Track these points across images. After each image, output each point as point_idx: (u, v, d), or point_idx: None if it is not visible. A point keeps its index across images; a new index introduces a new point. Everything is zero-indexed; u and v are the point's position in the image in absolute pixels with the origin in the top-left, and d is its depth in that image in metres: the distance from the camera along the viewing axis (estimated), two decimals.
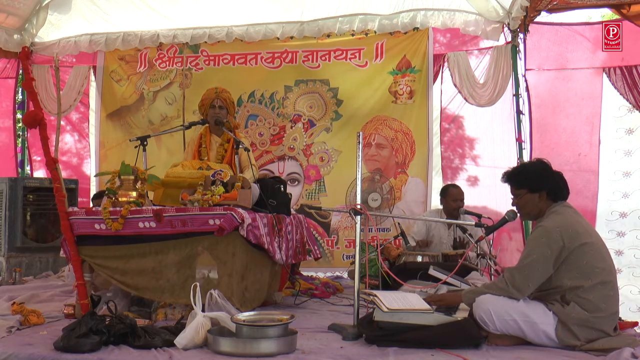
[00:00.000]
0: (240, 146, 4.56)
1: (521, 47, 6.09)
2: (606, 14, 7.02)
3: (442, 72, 6.54)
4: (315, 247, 5.03)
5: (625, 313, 5.09)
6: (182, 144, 6.32)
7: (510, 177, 3.28)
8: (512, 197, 3.29)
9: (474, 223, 4.21)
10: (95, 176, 7.02)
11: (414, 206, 6.40)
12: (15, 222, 5.90)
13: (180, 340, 2.92)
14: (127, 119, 7.05)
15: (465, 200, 5.57)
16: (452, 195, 5.55)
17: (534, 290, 3.04)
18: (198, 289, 3.09)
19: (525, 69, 6.12)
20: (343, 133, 6.62)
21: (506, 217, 3.54)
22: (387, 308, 2.97)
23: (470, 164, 6.57)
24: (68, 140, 7.36)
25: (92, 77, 7.20)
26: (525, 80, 6.12)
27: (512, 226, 5.76)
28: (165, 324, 3.42)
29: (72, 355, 2.80)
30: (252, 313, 3.17)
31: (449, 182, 6.11)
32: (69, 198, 4.47)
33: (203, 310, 3.15)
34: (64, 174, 4.50)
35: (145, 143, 4.59)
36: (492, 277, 4.54)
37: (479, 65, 6.39)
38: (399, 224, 5.52)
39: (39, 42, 7.10)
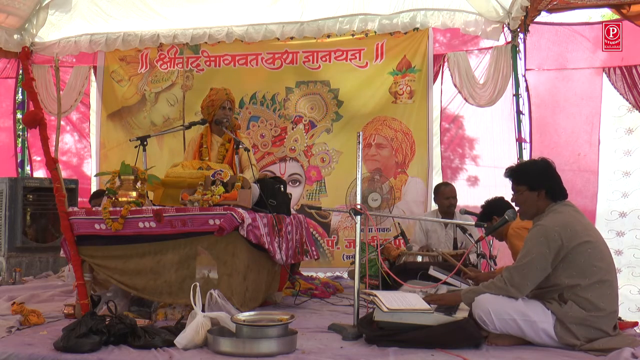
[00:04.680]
0: (240, 146, 4.56)
1: (521, 47, 6.09)
2: (606, 14, 7.02)
3: (442, 72, 6.55)
4: (313, 248, 5.02)
5: (625, 313, 5.09)
6: (183, 144, 6.33)
7: (512, 173, 3.30)
8: (513, 192, 3.30)
9: (473, 223, 4.21)
10: (95, 176, 7.03)
11: (414, 206, 6.41)
12: (15, 222, 5.90)
13: (180, 340, 2.92)
14: (129, 119, 7.06)
15: (465, 200, 5.57)
16: (444, 194, 5.59)
17: (533, 289, 3.05)
18: (198, 289, 3.09)
19: (525, 69, 6.12)
20: (344, 134, 6.62)
21: (506, 217, 3.55)
22: (387, 308, 2.97)
23: (470, 164, 6.57)
24: (68, 140, 7.37)
25: (93, 78, 7.21)
26: (525, 80, 6.12)
27: None
28: (165, 324, 3.42)
29: (72, 355, 2.80)
30: (252, 313, 3.17)
31: (448, 182, 6.11)
32: (69, 198, 4.47)
33: (203, 310, 3.15)
34: (64, 174, 4.50)
35: (145, 143, 4.59)
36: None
37: (479, 65, 6.39)
38: (399, 224, 5.53)
39: (39, 42, 7.11)
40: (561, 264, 2.98)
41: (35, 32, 7.01)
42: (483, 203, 4.52)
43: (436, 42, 6.69)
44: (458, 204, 5.75)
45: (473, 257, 4.64)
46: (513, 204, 3.37)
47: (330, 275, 6.27)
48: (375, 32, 6.56)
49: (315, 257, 5.08)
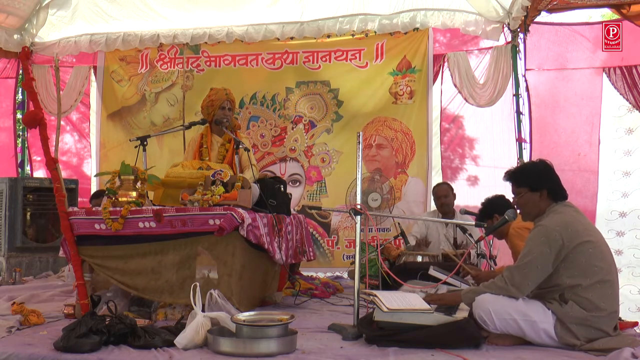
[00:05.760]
0: (240, 146, 4.56)
1: (521, 47, 6.09)
2: (606, 13, 7.02)
3: (442, 72, 6.55)
4: (311, 249, 5.01)
5: (625, 313, 5.08)
6: (183, 144, 6.33)
7: (512, 175, 3.30)
8: (513, 196, 3.30)
9: (473, 223, 4.21)
10: (95, 176, 7.03)
11: (414, 206, 6.41)
12: (15, 222, 5.90)
13: (180, 340, 2.92)
14: (129, 119, 7.06)
15: (465, 200, 5.57)
16: (436, 194, 5.67)
17: (534, 289, 3.05)
18: (198, 289, 3.09)
19: (525, 69, 6.12)
20: (344, 134, 6.63)
21: (506, 217, 3.55)
22: (387, 308, 2.97)
23: (470, 164, 6.57)
24: (68, 140, 7.37)
25: (93, 78, 7.21)
26: (525, 80, 6.12)
27: None
28: (165, 324, 3.42)
29: (72, 355, 2.80)
30: (252, 313, 3.17)
31: (442, 182, 6.10)
32: (69, 198, 4.46)
33: (203, 310, 3.15)
34: (64, 174, 4.50)
35: (145, 143, 4.59)
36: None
37: (479, 65, 6.39)
38: (399, 224, 5.53)
39: (39, 42, 7.10)
40: (562, 264, 2.98)
41: (35, 32, 7.01)
42: (483, 200, 4.51)
43: (436, 42, 6.69)
44: (458, 203, 5.75)
45: (473, 257, 4.64)
46: (515, 206, 3.37)
47: (330, 275, 6.27)
48: (375, 32, 6.56)
49: (311, 257, 5.07)
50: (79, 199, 6.52)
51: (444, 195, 5.57)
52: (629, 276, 5.88)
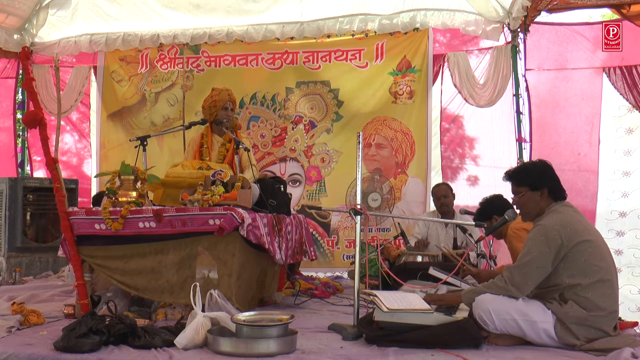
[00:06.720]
0: (240, 146, 4.56)
1: (521, 47, 6.09)
2: (606, 13, 7.02)
3: (442, 72, 6.55)
4: (312, 249, 5.01)
5: (625, 313, 5.08)
6: (183, 144, 6.33)
7: (512, 175, 3.30)
8: (513, 195, 3.30)
9: (473, 223, 4.21)
10: (95, 176, 7.04)
11: (414, 206, 6.41)
12: (15, 222, 5.91)
13: (180, 340, 2.92)
14: (129, 119, 7.06)
15: (465, 200, 5.57)
16: (435, 195, 5.68)
17: (533, 289, 3.05)
18: (198, 289, 3.09)
19: (525, 69, 6.13)
20: (344, 134, 6.63)
21: (506, 217, 3.55)
22: (387, 308, 2.97)
23: (470, 164, 6.58)
24: (68, 140, 7.37)
25: (93, 78, 7.21)
26: (525, 80, 6.12)
27: None
28: (165, 324, 3.42)
29: (72, 355, 2.80)
30: (252, 313, 3.17)
31: (442, 183, 6.11)
32: (69, 198, 4.47)
33: (203, 310, 3.15)
34: (64, 174, 4.50)
35: (145, 143, 4.58)
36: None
37: (479, 66, 6.39)
38: (399, 224, 5.54)
39: (39, 42, 7.11)
40: (562, 263, 2.98)
41: (35, 32, 7.02)
42: (481, 200, 4.50)
43: (436, 42, 6.69)
44: (458, 203, 5.76)
45: (473, 257, 4.64)
46: (515, 206, 3.37)
47: (330, 275, 6.27)
48: (375, 32, 6.56)
49: (313, 257, 5.07)
50: (79, 199, 6.53)
51: (443, 195, 5.57)
52: (629, 276, 5.88)
